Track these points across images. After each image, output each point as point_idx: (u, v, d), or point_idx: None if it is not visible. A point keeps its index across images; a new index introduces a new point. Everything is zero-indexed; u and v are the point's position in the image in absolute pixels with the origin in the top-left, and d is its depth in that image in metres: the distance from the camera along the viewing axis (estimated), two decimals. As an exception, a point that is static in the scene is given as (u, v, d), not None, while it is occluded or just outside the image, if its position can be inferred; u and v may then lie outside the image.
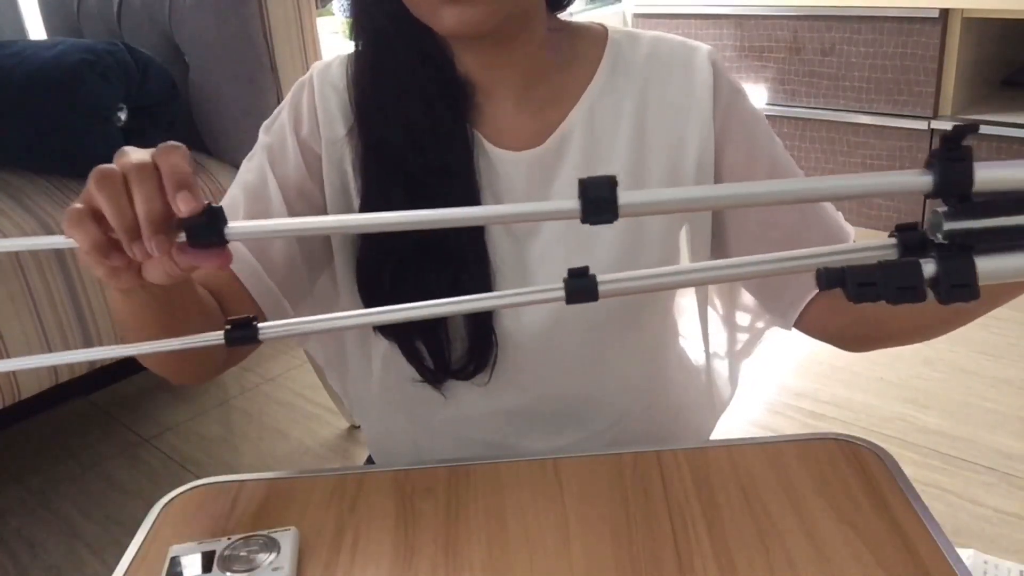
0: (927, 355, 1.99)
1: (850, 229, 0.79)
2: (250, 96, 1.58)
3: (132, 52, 1.51)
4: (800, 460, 0.71)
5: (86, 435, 1.95)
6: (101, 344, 1.45)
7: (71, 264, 1.38)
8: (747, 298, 0.86)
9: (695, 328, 0.90)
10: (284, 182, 0.77)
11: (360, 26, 0.76)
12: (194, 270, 0.54)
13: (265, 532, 0.65)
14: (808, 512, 0.65)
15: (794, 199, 0.38)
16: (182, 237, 0.48)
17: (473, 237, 0.76)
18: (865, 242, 0.39)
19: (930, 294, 0.36)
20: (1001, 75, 2.68)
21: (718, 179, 0.78)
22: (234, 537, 0.64)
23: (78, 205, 0.50)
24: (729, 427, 1.55)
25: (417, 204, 0.71)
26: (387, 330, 0.79)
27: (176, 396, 2.05)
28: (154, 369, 0.73)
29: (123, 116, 1.51)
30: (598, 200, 0.37)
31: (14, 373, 1.34)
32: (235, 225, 0.46)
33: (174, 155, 0.50)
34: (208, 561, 0.62)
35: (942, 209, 0.36)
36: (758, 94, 2.76)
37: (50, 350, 1.39)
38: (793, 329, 0.81)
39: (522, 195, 0.77)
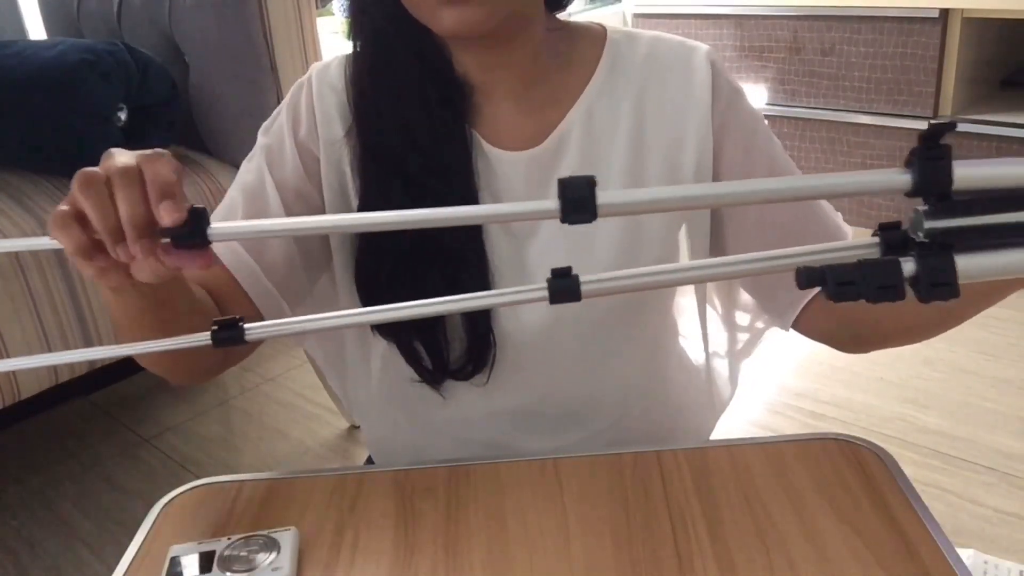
0: (927, 355, 1.99)
1: (848, 229, 0.79)
2: (250, 96, 1.58)
3: (132, 52, 1.51)
4: (800, 460, 0.71)
5: (86, 435, 1.95)
6: (101, 344, 1.45)
7: (71, 264, 1.38)
8: (747, 298, 0.86)
9: (695, 328, 0.90)
10: (282, 184, 0.77)
11: (359, 27, 0.76)
12: (181, 270, 0.54)
13: (265, 532, 0.65)
14: (808, 512, 0.65)
15: (774, 198, 0.38)
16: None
17: (471, 237, 0.76)
18: (847, 241, 0.39)
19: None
20: (1001, 75, 2.68)
21: (717, 179, 0.78)
22: (234, 537, 0.64)
23: (63, 207, 0.50)
24: (729, 427, 1.55)
25: (416, 205, 0.71)
26: (385, 330, 0.79)
27: (176, 396, 2.05)
28: (150, 368, 0.73)
29: (123, 116, 1.51)
30: (576, 200, 0.37)
31: (14, 373, 1.34)
32: (218, 226, 0.47)
33: (159, 163, 0.50)
34: (208, 561, 0.62)
35: (923, 208, 0.36)
36: (758, 94, 2.75)
37: (50, 350, 1.39)
38: (791, 330, 0.81)
39: (521, 195, 0.77)
